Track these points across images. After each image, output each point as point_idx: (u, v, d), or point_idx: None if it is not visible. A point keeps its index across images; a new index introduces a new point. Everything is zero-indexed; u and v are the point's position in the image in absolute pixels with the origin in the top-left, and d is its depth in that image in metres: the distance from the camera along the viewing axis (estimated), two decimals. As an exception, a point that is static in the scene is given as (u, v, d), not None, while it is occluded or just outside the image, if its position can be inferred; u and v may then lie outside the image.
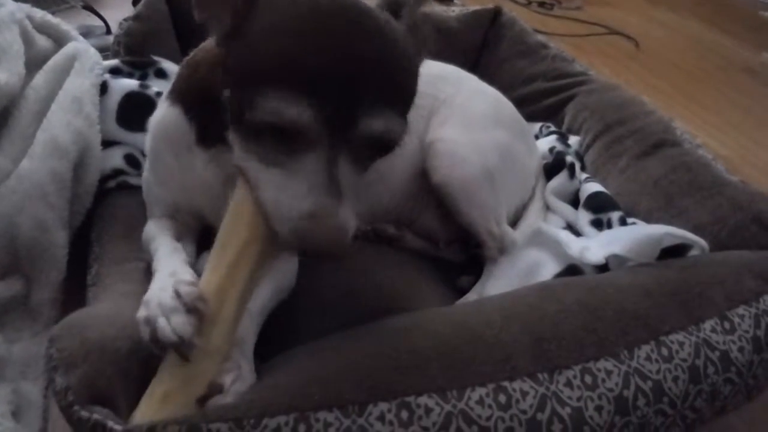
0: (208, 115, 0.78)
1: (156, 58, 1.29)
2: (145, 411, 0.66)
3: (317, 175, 0.63)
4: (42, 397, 0.88)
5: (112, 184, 1.09)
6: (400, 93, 0.67)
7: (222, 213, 0.81)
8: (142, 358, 0.69)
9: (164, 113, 0.87)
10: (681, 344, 0.79)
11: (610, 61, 2.41)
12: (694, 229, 0.99)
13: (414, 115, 0.73)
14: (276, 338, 0.83)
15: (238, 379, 0.69)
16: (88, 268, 0.98)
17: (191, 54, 0.87)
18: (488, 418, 0.71)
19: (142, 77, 1.25)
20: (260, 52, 0.65)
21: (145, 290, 0.86)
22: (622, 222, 1.10)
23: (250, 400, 0.67)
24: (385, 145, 0.68)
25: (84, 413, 0.64)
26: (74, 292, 0.97)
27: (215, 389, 0.68)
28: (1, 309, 0.95)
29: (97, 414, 0.64)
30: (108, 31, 1.78)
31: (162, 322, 0.66)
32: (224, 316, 0.68)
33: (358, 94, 0.62)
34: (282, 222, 0.64)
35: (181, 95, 0.86)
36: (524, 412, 0.72)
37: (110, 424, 0.62)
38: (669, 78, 2.35)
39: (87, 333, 0.72)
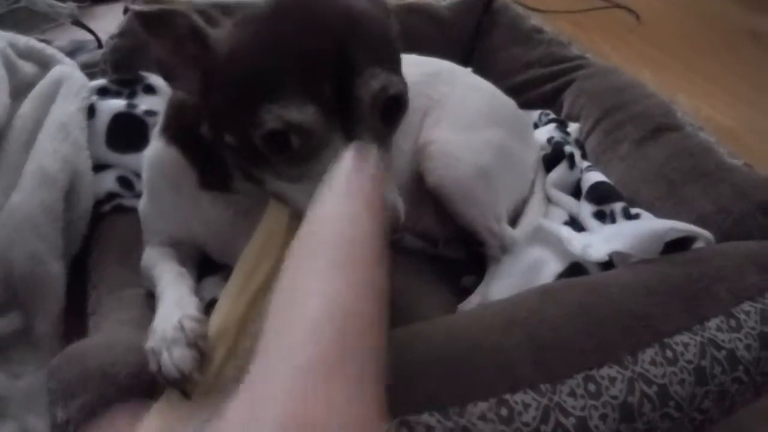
0: (209, 159, 0.78)
1: (144, 73, 1.27)
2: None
3: None
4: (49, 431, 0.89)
5: (107, 207, 1.09)
6: (381, 50, 0.66)
7: (227, 249, 0.81)
8: (143, 381, 0.69)
9: (161, 153, 0.85)
10: (686, 345, 0.77)
11: (610, 36, 2.35)
12: (698, 219, 0.97)
13: (408, 116, 0.73)
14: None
15: None
16: (88, 296, 0.98)
17: (173, 92, 0.86)
18: (491, 433, 0.70)
19: (131, 95, 1.23)
20: (237, 78, 0.65)
21: (144, 316, 0.87)
22: (626, 213, 1.08)
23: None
24: (392, 104, 0.66)
25: None
26: (76, 320, 0.97)
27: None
28: (3, 344, 0.95)
29: None
30: (100, 45, 1.77)
31: (165, 357, 0.66)
32: (243, 346, 0.67)
33: (344, 66, 0.61)
34: None
35: (176, 137, 0.84)
36: (527, 424, 0.71)
37: None
38: (671, 50, 2.29)
39: (86, 362, 0.72)
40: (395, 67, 0.68)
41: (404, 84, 0.68)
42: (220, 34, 0.68)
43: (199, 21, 0.68)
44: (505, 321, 0.79)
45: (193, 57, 0.69)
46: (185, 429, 0.66)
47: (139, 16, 0.68)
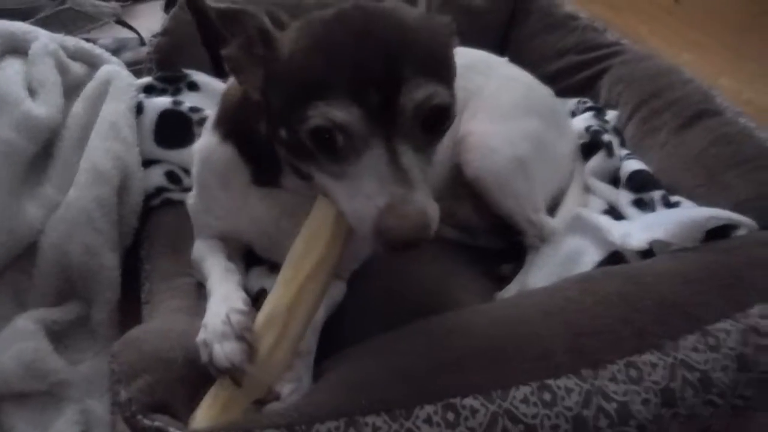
0: (264, 157, 0.81)
1: (187, 71, 1.31)
2: (206, 414, 0.71)
3: (383, 169, 0.64)
4: (108, 413, 0.94)
5: (156, 202, 1.13)
6: (430, 64, 0.68)
7: (272, 246, 0.85)
8: (197, 367, 0.73)
9: (215, 149, 0.88)
10: (728, 332, 0.77)
11: (647, 18, 2.31)
12: (738, 206, 0.96)
13: None
14: (324, 340, 0.85)
15: (296, 390, 0.74)
16: (141, 286, 1.03)
17: (228, 87, 0.89)
18: (534, 416, 0.72)
19: (175, 92, 1.27)
20: (295, 77, 0.68)
21: (195, 305, 0.91)
22: (665, 201, 1.08)
23: (300, 406, 0.70)
24: (436, 116, 0.68)
25: (146, 421, 0.69)
26: (131, 309, 1.02)
27: (273, 397, 0.73)
28: (63, 332, 1.00)
29: (159, 421, 0.69)
30: (142, 43, 1.81)
31: (217, 348, 0.70)
32: (292, 330, 0.72)
33: (391, 75, 0.64)
34: (364, 225, 0.65)
35: (230, 133, 0.86)
36: (569, 408, 0.72)
37: (171, 429, 0.68)
38: (711, 31, 2.24)
39: (144, 347, 0.77)
40: (444, 80, 0.69)
41: (452, 97, 0.69)
42: (285, 36, 0.71)
43: (268, 23, 0.72)
44: (544, 311, 0.81)
45: (260, 57, 0.72)
46: (239, 409, 0.70)
47: (214, 11, 0.71)
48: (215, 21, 0.72)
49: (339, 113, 0.63)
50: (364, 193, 0.64)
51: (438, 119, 0.69)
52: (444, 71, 0.70)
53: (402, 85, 0.64)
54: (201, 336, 0.73)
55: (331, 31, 0.68)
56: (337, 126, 0.64)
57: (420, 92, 0.65)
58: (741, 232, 0.91)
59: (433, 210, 0.66)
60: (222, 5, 0.71)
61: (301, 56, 0.68)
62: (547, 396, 0.73)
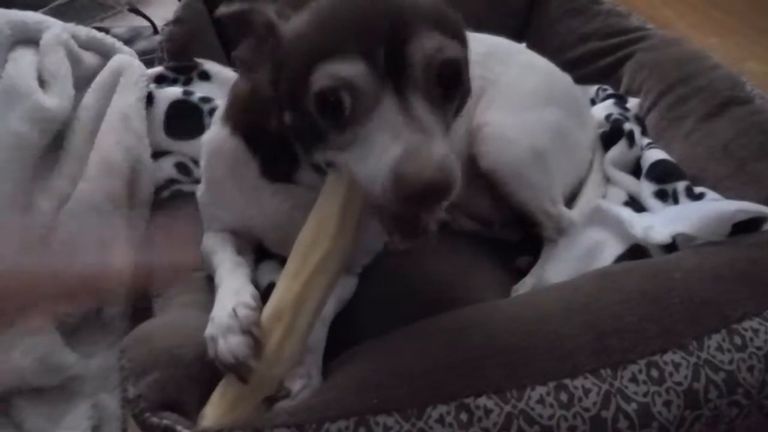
0: (275, 150, 0.79)
1: (199, 60, 1.30)
2: (215, 411, 0.70)
3: (395, 121, 0.61)
4: (120, 408, 0.94)
5: (166, 194, 1.12)
6: (440, 18, 0.65)
7: (284, 241, 0.83)
8: (207, 363, 0.72)
9: (224, 141, 0.86)
10: (755, 331, 0.74)
11: (674, 2, 2.25)
12: (768, 199, 0.93)
13: None
14: (335, 337, 0.84)
15: (306, 386, 0.72)
16: (152, 279, 1.02)
17: (238, 79, 0.88)
18: (550, 417, 0.69)
19: (187, 82, 1.26)
20: (298, 50, 0.66)
21: (205, 299, 0.90)
22: (689, 192, 1.04)
23: (311, 405, 0.69)
24: (448, 70, 0.64)
25: (154, 419, 0.68)
26: (143, 302, 1.02)
27: (284, 393, 0.71)
28: (75, 326, 1.00)
29: (167, 419, 0.68)
30: (155, 31, 1.81)
31: (221, 343, 0.69)
32: (300, 325, 0.70)
33: (399, 28, 0.61)
34: (377, 183, 0.60)
35: (240, 125, 0.85)
36: (587, 409, 0.70)
37: (179, 428, 0.66)
38: (739, 12, 2.17)
39: (154, 342, 0.77)
40: (455, 36, 0.66)
41: (464, 54, 0.66)
42: (290, 24, 0.69)
43: (273, 16, 0.70)
44: (564, 308, 0.79)
45: (269, 53, 0.70)
46: (249, 406, 0.69)
47: (226, 17, 0.70)
48: (226, 27, 0.71)
49: (344, 68, 0.61)
50: (378, 149, 0.60)
51: (451, 75, 0.65)
52: (455, 28, 0.67)
53: (411, 36, 0.61)
54: (208, 331, 0.72)
55: (335, 4, 0.66)
56: (343, 84, 0.61)
57: (429, 43, 0.62)
58: (769, 226, 0.88)
59: (455, 163, 0.60)
60: (229, 9, 0.70)
61: (304, 31, 0.66)
62: (564, 396, 0.70)
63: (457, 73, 0.66)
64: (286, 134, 0.73)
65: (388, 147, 0.59)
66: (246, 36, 0.72)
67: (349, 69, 0.61)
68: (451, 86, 0.66)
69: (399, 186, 0.58)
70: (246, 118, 0.83)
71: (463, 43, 0.68)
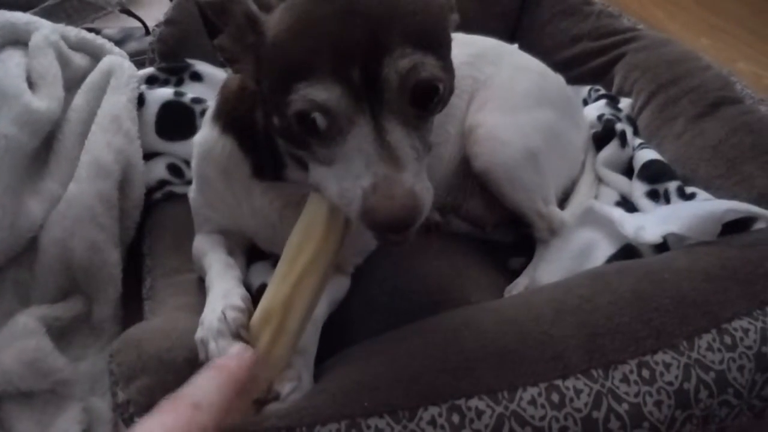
0: (265, 149, 0.79)
1: (190, 61, 1.29)
2: None
3: (368, 148, 0.61)
4: (111, 411, 0.93)
5: (158, 195, 1.12)
6: (419, 33, 0.64)
7: (275, 240, 0.83)
8: (197, 367, 0.70)
9: (214, 141, 0.86)
10: (746, 331, 0.75)
11: (665, 3, 2.25)
12: (759, 198, 0.93)
13: (454, 99, 0.72)
14: (328, 339, 0.84)
15: (296, 389, 0.72)
16: (143, 282, 1.02)
17: (227, 79, 0.87)
18: (542, 419, 0.70)
19: (178, 83, 1.26)
20: (278, 60, 0.66)
21: (197, 302, 0.89)
22: (680, 192, 1.04)
23: (302, 408, 0.69)
24: (424, 88, 0.64)
25: None
26: (133, 305, 1.01)
27: (273, 396, 0.70)
28: (65, 329, 0.99)
29: None
30: (147, 32, 1.79)
31: (212, 346, 0.69)
32: (289, 327, 0.70)
33: (374, 47, 0.61)
34: (350, 206, 0.62)
35: (230, 126, 0.85)
36: (579, 410, 0.70)
37: None
38: (731, 14, 2.18)
39: (144, 347, 0.76)
40: (435, 51, 0.65)
41: (443, 69, 0.65)
42: (271, 19, 0.69)
43: (253, 6, 0.70)
44: (556, 309, 0.79)
45: (250, 44, 0.70)
46: (239, 407, 0.69)
47: (201, 6, 0.70)
48: (206, 14, 0.70)
49: (318, 93, 0.61)
50: (352, 175, 0.62)
51: (427, 93, 0.65)
52: (435, 43, 0.66)
53: (385, 55, 0.61)
54: (198, 334, 0.72)
55: (313, 7, 0.65)
56: (317, 107, 0.61)
57: (405, 62, 0.61)
58: (760, 225, 0.88)
59: (424, 191, 0.62)
60: None
61: (283, 38, 0.66)
62: (555, 397, 0.71)
63: (432, 91, 0.65)
64: (273, 134, 0.73)
65: (360, 174, 0.61)
66: (227, 25, 0.71)
67: (323, 94, 0.61)
68: (427, 104, 0.66)
69: (366, 218, 0.61)
70: (236, 115, 0.83)
71: (444, 50, 0.68)
